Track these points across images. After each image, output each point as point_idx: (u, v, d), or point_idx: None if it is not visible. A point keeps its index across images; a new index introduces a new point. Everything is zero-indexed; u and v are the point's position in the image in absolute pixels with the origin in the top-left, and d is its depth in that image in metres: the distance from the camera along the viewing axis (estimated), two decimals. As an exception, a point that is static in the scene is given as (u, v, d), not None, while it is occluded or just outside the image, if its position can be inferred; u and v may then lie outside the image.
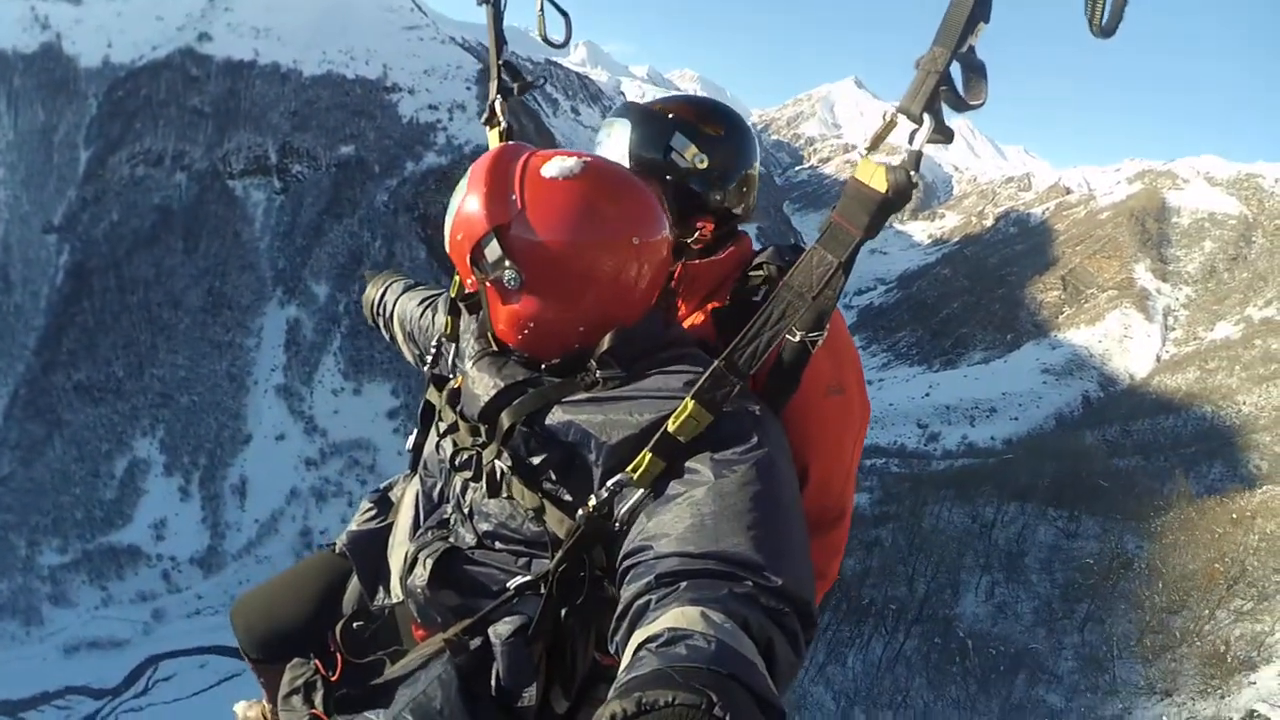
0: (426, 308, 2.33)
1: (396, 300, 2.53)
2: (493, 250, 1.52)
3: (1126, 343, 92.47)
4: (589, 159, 1.58)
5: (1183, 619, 19.60)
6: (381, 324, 2.64)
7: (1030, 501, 33.00)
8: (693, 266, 1.89)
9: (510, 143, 1.64)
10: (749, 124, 1.97)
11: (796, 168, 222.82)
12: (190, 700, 60.61)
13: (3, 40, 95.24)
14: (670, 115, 1.90)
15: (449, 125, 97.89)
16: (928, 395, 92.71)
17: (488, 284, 1.58)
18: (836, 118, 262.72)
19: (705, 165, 1.85)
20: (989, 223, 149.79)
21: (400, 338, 2.47)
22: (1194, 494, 29.24)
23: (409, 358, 2.44)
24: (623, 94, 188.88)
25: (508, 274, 1.52)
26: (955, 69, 1.27)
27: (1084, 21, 1.18)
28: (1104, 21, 1.17)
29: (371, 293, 2.69)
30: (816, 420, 1.69)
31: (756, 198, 2.01)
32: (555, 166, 1.53)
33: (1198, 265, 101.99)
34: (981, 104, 1.28)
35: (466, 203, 1.56)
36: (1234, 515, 25.37)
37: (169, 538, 77.62)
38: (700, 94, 2.09)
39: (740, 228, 2.02)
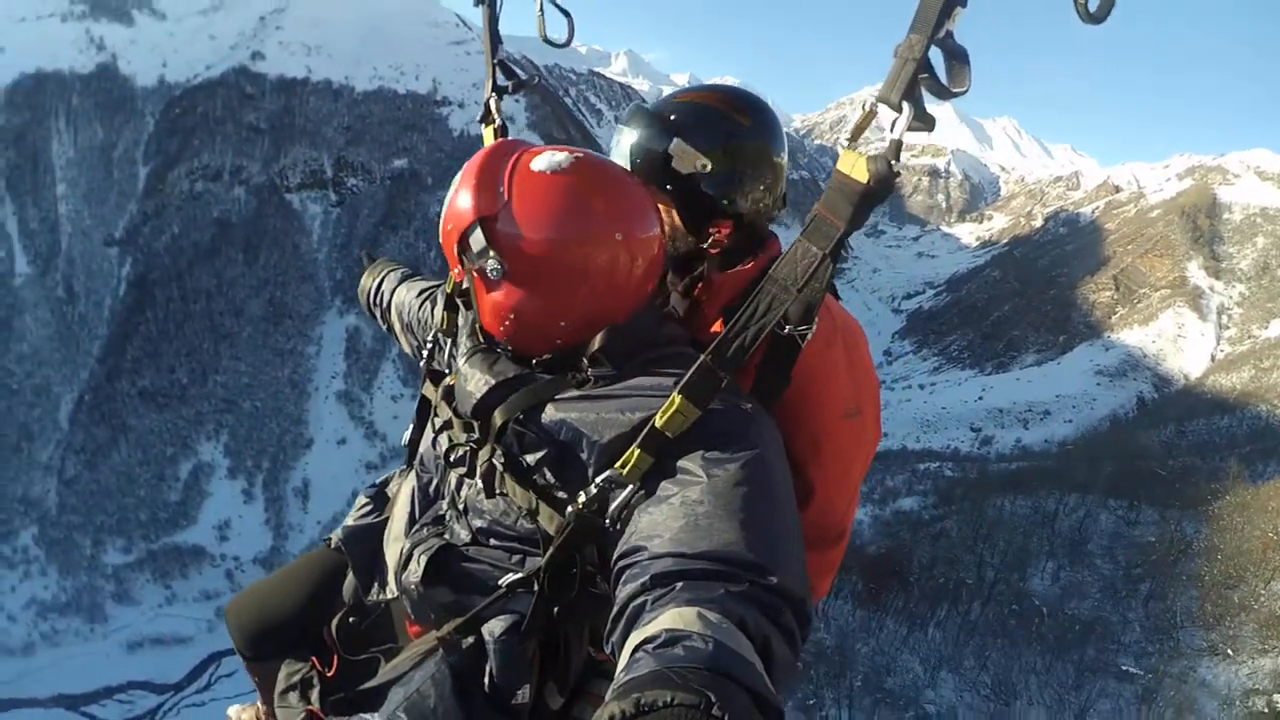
0: (425, 299, 2.33)
1: (394, 290, 2.54)
2: (477, 240, 1.54)
3: (1180, 342, 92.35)
4: (580, 154, 1.59)
5: (1240, 592, 21.35)
6: (379, 314, 2.65)
7: (1090, 493, 34.45)
8: (718, 277, 1.87)
9: (505, 139, 1.73)
10: (767, 113, 1.91)
11: None
12: (252, 695, 61.80)
13: (60, 61, 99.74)
14: (673, 117, 1.84)
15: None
16: (980, 399, 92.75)
17: (474, 274, 1.61)
18: (880, 120, 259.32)
19: (710, 169, 1.79)
20: (1038, 223, 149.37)
21: (398, 328, 2.48)
22: (1249, 483, 30.79)
23: (407, 349, 2.46)
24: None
25: (491, 264, 1.54)
26: (937, 56, 1.29)
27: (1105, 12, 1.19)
28: (1093, 9, 1.18)
29: (368, 282, 2.70)
30: (832, 441, 1.73)
31: (783, 192, 1.94)
32: (544, 161, 1.54)
33: (1251, 262, 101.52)
34: (965, 90, 1.30)
35: (457, 195, 1.59)
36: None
37: (233, 538, 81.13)
38: (727, 84, 2.07)
39: (772, 230, 1.99)
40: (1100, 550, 28.93)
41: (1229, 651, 18.32)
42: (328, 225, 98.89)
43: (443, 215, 1.63)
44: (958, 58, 1.29)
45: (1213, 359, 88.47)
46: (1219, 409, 64.77)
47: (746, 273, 1.83)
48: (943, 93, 1.30)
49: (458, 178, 1.61)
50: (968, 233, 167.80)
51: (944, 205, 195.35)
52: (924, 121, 1.33)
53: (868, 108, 1.38)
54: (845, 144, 1.43)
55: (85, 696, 65.43)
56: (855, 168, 1.38)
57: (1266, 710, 14.85)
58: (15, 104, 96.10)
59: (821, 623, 20.72)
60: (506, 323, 1.60)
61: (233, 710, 2.61)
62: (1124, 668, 18.45)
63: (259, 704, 2.46)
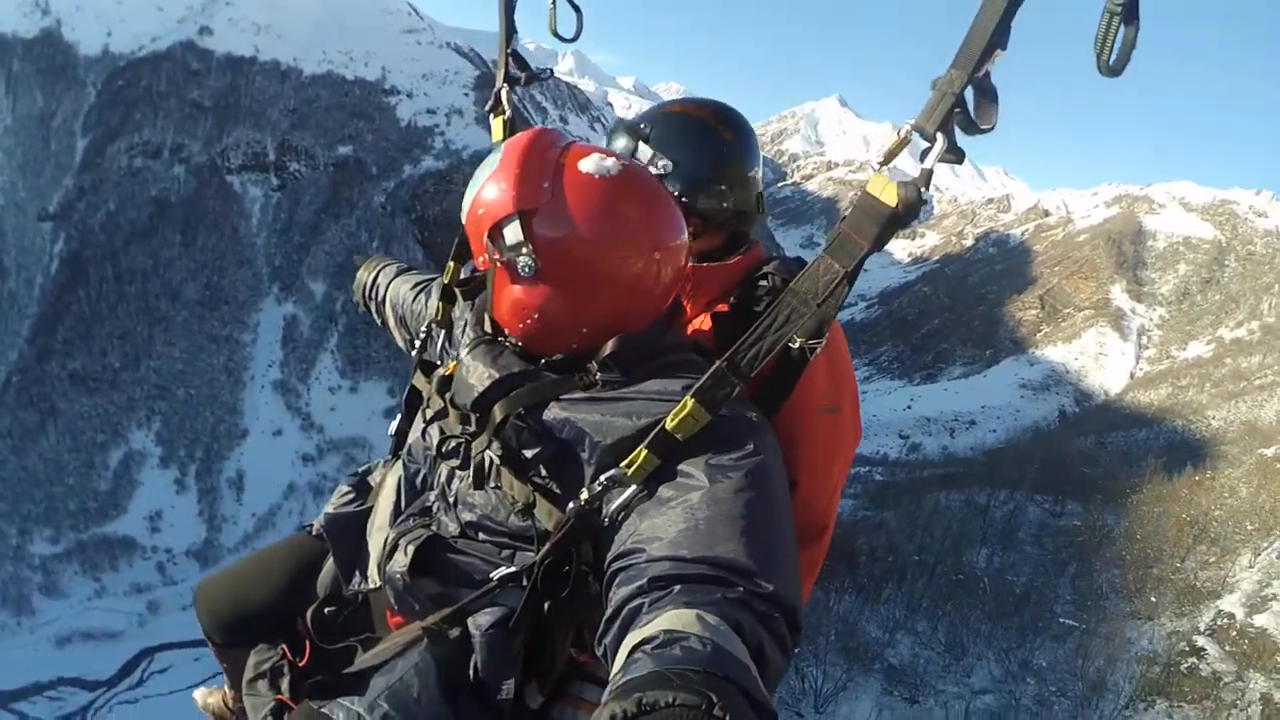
0: (420, 292, 2.38)
1: (389, 284, 2.57)
2: (513, 233, 1.53)
3: (1102, 360, 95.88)
4: (625, 162, 1.61)
5: (1158, 569, 23.91)
6: (373, 308, 2.69)
7: (1019, 489, 37.06)
8: (701, 270, 1.95)
9: (548, 128, 1.66)
10: (739, 126, 2.05)
11: (780, 184, 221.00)
12: (185, 693, 58.27)
13: (2, 24, 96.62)
14: (642, 125, 2.01)
15: (446, 130, 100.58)
16: (909, 408, 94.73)
17: (499, 265, 1.60)
18: (820, 135, 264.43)
19: (671, 170, 1.94)
20: (969, 243, 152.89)
21: (392, 321, 2.52)
22: (1165, 479, 33.78)
23: (400, 342, 2.49)
24: (609, 104, 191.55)
25: (523, 260, 1.53)
26: (969, 92, 1.34)
27: (1093, 59, 1.25)
28: (1112, 61, 1.23)
29: (363, 276, 2.74)
30: (807, 436, 1.80)
31: (754, 197, 2.07)
32: (592, 163, 1.54)
33: (1172, 287, 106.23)
34: (992, 128, 1.35)
35: (496, 179, 1.57)
36: (1198, 480, 30.64)
37: (165, 530, 79.28)
38: (703, 97, 2.18)
39: (754, 237, 2.10)
40: (1029, 538, 31.27)
41: (1150, 615, 20.65)
42: (268, 210, 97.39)
43: (471, 197, 1.62)
44: (989, 97, 1.35)
45: (1132, 376, 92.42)
46: (1137, 423, 68.14)
47: (730, 268, 1.97)
48: (971, 129, 1.37)
49: (494, 161, 1.61)
50: (900, 249, 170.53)
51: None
52: (954, 154, 1.38)
53: (903, 134, 1.41)
54: (876, 166, 1.48)
55: (14, 693, 63.41)
56: (885, 191, 1.43)
57: (1188, 648, 17.24)
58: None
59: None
60: (528, 321, 1.61)
61: (198, 693, 2.66)
62: (1061, 620, 20.73)
63: (226, 688, 2.50)
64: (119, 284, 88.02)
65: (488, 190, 1.57)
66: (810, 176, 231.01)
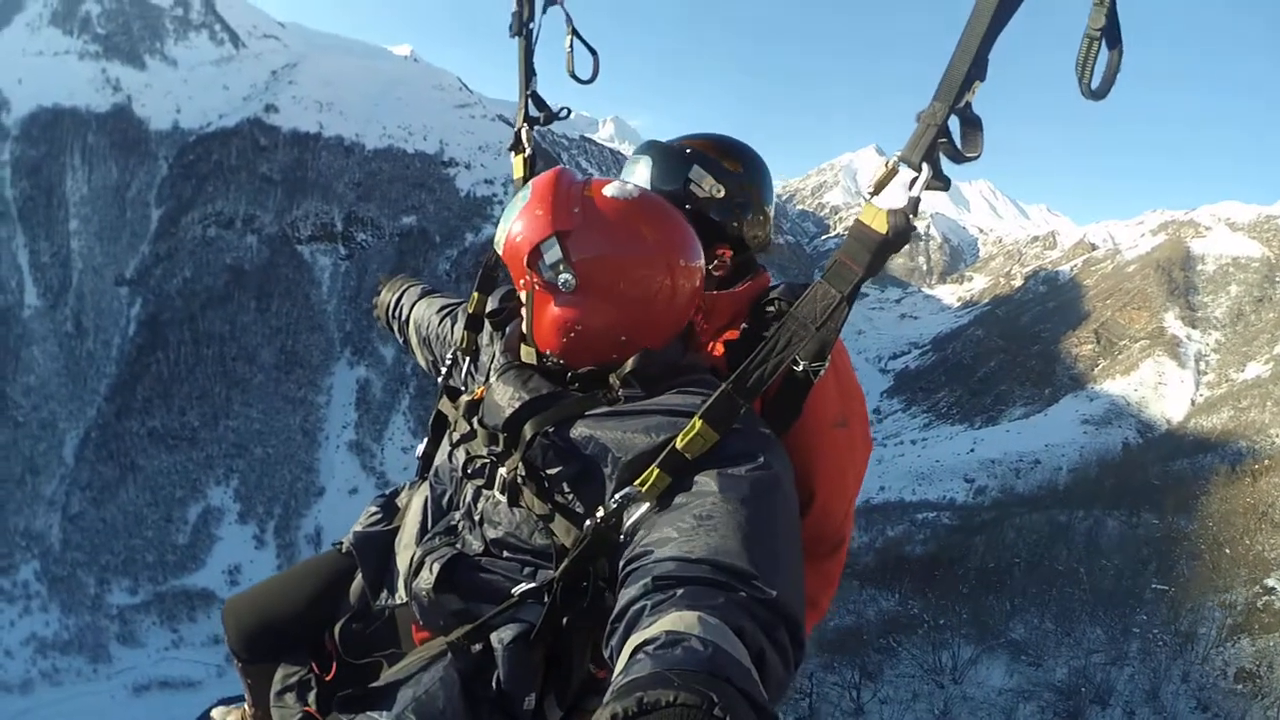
0: (446, 316, 2.52)
1: (413, 305, 2.72)
2: (553, 253, 1.67)
3: (1161, 389, 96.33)
4: (642, 188, 1.79)
5: (1230, 551, 27.23)
6: (396, 328, 2.83)
7: (1094, 508, 40.30)
8: (711, 297, 2.05)
9: (561, 168, 1.84)
10: (761, 161, 2.19)
11: (823, 236, 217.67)
12: None
13: (76, 99, 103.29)
14: (688, 150, 2.12)
15: (504, 198, 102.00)
16: (972, 451, 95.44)
17: (538, 287, 1.73)
18: (859, 185, 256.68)
19: (722, 195, 2.06)
20: (1018, 283, 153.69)
21: (415, 342, 2.65)
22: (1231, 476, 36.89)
23: (422, 363, 2.64)
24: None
25: (563, 277, 1.67)
26: (954, 123, 1.40)
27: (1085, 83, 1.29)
28: (1094, 85, 1.28)
29: (387, 297, 2.91)
30: (822, 451, 1.90)
31: (771, 231, 2.21)
32: (615, 188, 1.73)
33: (1225, 310, 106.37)
34: (978, 156, 1.41)
35: (530, 209, 1.72)
36: (1258, 468, 34.05)
37: (244, 583, 78.96)
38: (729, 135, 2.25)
39: (760, 263, 2.23)
40: (1112, 546, 34.22)
41: (1227, 587, 24.11)
42: (337, 278, 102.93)
43: (505, 229, 1.79)
44: (973, 126, 1.42)
45: (1193, 403, 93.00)
46: (1201, 448, 68.27)
47: (740, 294, 2.12)
48: (958, 156, 1.44)
49: (525, 196, 1.79)
50: (949, 294, 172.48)
51: (924, 268, 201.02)
52: (941, 181, 1.46)
53: (889, 165, 1.50)
54: (867, 197, 1.56)
55: (88, 739, 66.01)
56: (876, 220, 1.52)
57: (1261, 589, 20.98)
58: (32, 137, 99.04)
59: (923, 592, 26.30)
60: (570, 335, 1.74)
61: (217, 712, 2.77)
62: (1153, 586, 24.38)
63: (245, 707, 2.59)
64: (197, 347, 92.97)
65: (523, 220, 1.74)
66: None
